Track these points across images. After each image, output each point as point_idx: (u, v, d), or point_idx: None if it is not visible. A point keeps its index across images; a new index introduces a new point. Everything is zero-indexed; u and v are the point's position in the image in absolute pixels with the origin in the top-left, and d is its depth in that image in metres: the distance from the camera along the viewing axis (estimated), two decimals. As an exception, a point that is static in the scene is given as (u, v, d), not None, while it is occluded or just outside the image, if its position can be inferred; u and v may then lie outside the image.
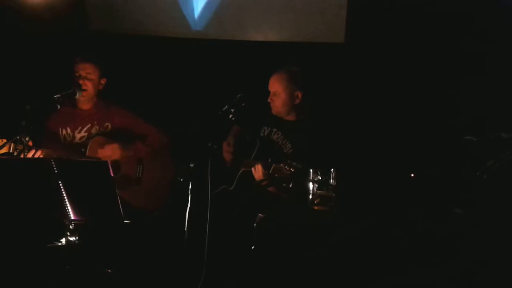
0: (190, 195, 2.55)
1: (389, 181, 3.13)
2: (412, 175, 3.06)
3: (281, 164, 2.51)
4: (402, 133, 3.46)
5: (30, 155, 2.78)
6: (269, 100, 2.85)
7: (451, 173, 2.80)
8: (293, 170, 2.44)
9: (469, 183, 2.56)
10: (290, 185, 2.48)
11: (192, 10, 3.86)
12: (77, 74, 2.95)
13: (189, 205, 2.54)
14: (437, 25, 3.51)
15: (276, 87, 2.82)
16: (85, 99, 2.99)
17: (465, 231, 2.35)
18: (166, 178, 3.02)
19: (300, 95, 2.82)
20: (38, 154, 2.81)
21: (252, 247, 2.55)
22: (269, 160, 2.59)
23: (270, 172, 2.56)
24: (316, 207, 2.34)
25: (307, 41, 3.78)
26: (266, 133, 2.91)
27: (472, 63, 3.42)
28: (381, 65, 3.62)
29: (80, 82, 2.94)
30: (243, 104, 2.77)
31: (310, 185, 2.35)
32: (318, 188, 2.34)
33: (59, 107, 2.89)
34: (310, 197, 2.34)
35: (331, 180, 2.34)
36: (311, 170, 2.37)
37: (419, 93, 3.55)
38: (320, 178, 2.33)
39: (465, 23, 3.43)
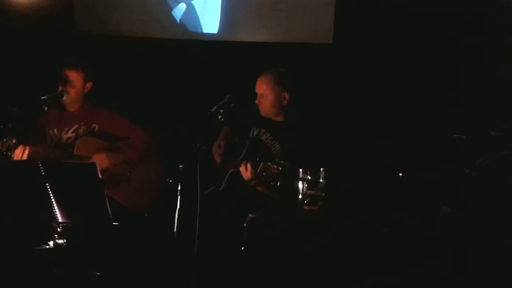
0: (179, 196, 2.54)
1: (377, 180, 3.15)
2: (401, 174, 3.08)
3: (269, 163, 2.50)
4: (390, 132, 3.48)
5: (18, 151, 2.75)
6: (256, 102, 2.85)
7: (440, 172, 2.82)
8: (280, 169, 2.44)
9: (458, 181, 2.57)
10: (278, 184, 2.47)
11: (180, 11, 3.86)
12: (63, 79, 2.94)
13: (178, 206, 2.53)
14: (424, 25, 3.54)
15: (263, 89, 2.83)
16: (70, 102, 2.99)
17: (454, 229, 2.36)
18: (155, 176, 3.01)
19: (287, 96, 2.82)
20: (25, 149, 2.78)
21: (242, 248, 2.54)
22: (257, 159, 2.59)
23: (258, 171, 2.55)
24: (306, 207, 2.34)
25: (295, 42, 3.79)
26: (255, 134, 2.91)
27: (460, 60, 3.46)
28: (369, 65, 3.65)
29: (65, 88, 2.93)
30: (232, 105, 2.76)
31: (300, 184, 2.36)
32: (307, 188, 2.34)
33: (46, 108, 2.87)
34: (300, 196, 2.34)
35: (321, 180, 2.34)
36: (300, 170, 2.37)
37: (407, 93, 3.58)
38: (309, 177, 2.33)
39: (454, 22, 3.46)
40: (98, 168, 2.36)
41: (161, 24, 3.83)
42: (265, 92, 2.82)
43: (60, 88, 2.93)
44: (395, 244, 2.46)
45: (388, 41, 3.63)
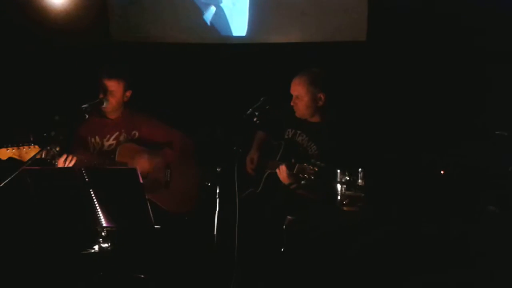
0: (218, 199, 2.57)
1: (418, 179, 3.09)
2: (442, 172, 3.02)
3: (305, 164, 2.49)
4: (429, 131, 3.41)
5: (61, 159, 2.83)
6: (292, 104, 2.84)
7: (482, 170, 2.75)
8: (316, 169, 2.42)
9: (501, 179, 2.50)
10: (316, 184, 2.46)
11: (210, 14, 3.88)
12: (103, 88, 3.00)
13: (217, 209, 2.55)
14: (457, 21, 3.46)
15: (298, 90, 2.81)
16: (110, 110, 3.06)
17: (500, 229, 2.30)
18: (193, 180, 3.06)
19: (323, 97, 2.80)
20: (70, 158, 2.86)
21: (282, 250, 2.55)
22: (292, 161, 2.58)
23: (294, 172, 2.55)
24: (345, 208, 2.32)
25: (328, 41, 3.76)
26: (290, 135, 2.91)
27: (496, 59, 3.36)
28: (403, 62, 3.59)
29: (105, 97, 3.00)
30: (267, 107, 2.76)
31: (338, 186, 2.34)
32: (346, 189, 2.33)
33: (87, 116, 2.95)
34: (339, 198, 2.33)
35: (359, 180, 2.32)
36: (338, 171, 2.35)
37: (443, 90, 3.51)
38: (348, 178, 2.31)
39: (486, 21, 3.37)
40: (139, 172, 2.41)
41: (193, 29, 3.86)
42: (300, 93, 2.81)
43: (101, 96, 3.00)
44: (439, 244, 2.41)
45: (421, 37, 3.57)
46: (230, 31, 3.87)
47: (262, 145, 2.95)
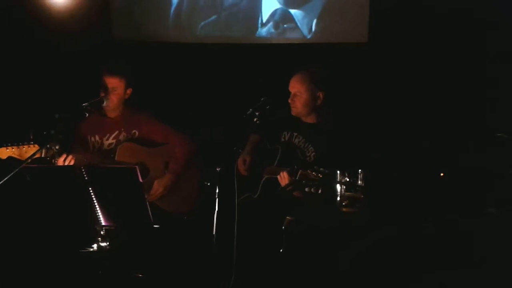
0: (217, 199, 2.56)
1: (418, 181, 3.08)
2: (442, 174, 3.01)
3: (308, 171, 2.47)
4: (429, 132, 3.41)
5: (61, 159, 2.83)
6: (289, 101, 2.80)
7: (482, 171, 2.74)
8: (321, 176, 2.41)
9: (502, 181, 2.49)
10: (319, 191, 2.44)
11: (215, 16, 3.88)
12: (104, 86, 3.00)
13: (216, 209, 2.55)
14: (461, 23, 3.46)
15: (298, 87, 2.78)
16: (111, 108, 3.05)
17: (500, 230, 2.29)
18: (193, 180, 3.04)
19: (321, 96, 2.77)
20: (69, 158, 2.86)
21: (281, 250, 2.54)
22: (295, 167, 2.56)
23: (297, 178, 2.53)
24: (344, 209, 2.31)
25: (330, 42, 3.76)
26: (287, 138, 2.87)
27: (498, 59, 3.36)
28: (405, 64, 3.59)
29: (107, 94, 2.99)
30: (267, 107, 2.75)
31: (338, 186, 2.33)
32: (346, 190, 2.32)
33: (87, 115, 2.94)
34: (338, 199, 2.32)
35: (359, 181, 2.32)
36: (338, 172, 2.34)
37: (444, 92, 3.50)
38: (347, 179, 2.31)
39: (491, 21, 3.37)
40: (139, 172, 2.41)
41: (192, 29, 3.87)
42: (299, 90, 2.77)
43: (102, 95, 2.99)
44: (440, 245, 2.40)
45: (423, 39, 3.57)
46: (231, 31, 3.87)
47: (256, 147, 2.91)
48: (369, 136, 2.92)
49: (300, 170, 2.53)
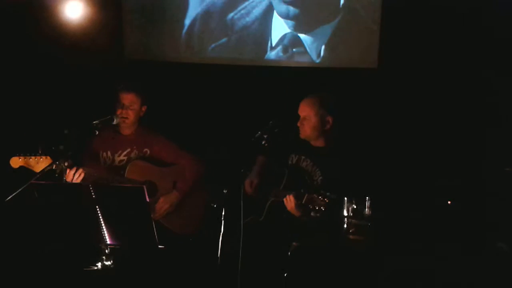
0: (223, 221, 2.56)
1: (425, 208, 3.06)
2: (449, 202, 2.99)
3: (314, 195, 2.47)
4: (438, 160, 3.40)
5: (71, 173, 2.84)
6: (298, 125, 2.82)
7: (491, 204, 2.72)
8: (327, 201, 2.40)
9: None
10: (325, 215, 2.43)
11: (226, 35, 3.92)
12: (120, 103, 3.03)
13: (222, 231, 2.54)
14: (470, 50, 3.48)
15: (307, 111, 2.80)
16: (126, 125, 3.07)
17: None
18: (200, 202, 3.05)
19: (331, 121, 2.79)
20: (79, 172, 2.87)
21: (285, 275, 2.52)
22: (302, 191, 2.55)
23: (303, 202, 2.53)
24: (351, 237, 2.30)
25: (339, 67, 3.79)
26: (294, 161, 2.87)
27: (508, 89, 3.36)
28: (414, 91, 3.60)
29: (123, 111, 3.02)
30: (275, 130, 2.76)
31: (345, 213, 2.33)
32: (352, 217, 2.31)
33: (97, 132, 2.96)
34: (345, 226, 2.31)
35: (366, 209, 2.31)
36: (345, 199, 2.34)
37: (453, 119, 3.50)
38: (354, 207, 2.30)
39: (502, 48, 3.39)
40: (145, 186, 2.41)
41: (203, 50, 3.90)
42: (309, 114, 2.78)
43: (118, 111, 3.00)
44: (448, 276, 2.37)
45: (434, 65, 3.58)
46: (241, 54, 3.91)
47: (263, 170, 2.91)
48: (377, 163, 2.91)
49: (307, 194, 2.52)
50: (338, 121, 2.80)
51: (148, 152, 3.07)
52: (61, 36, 3.69)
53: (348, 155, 2.76)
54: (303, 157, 2.84)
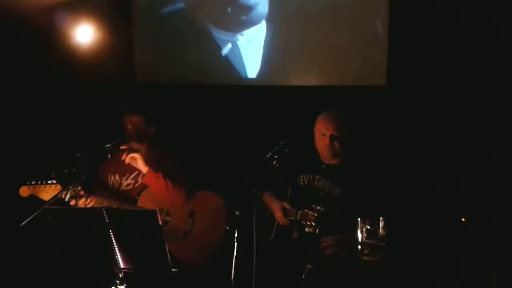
0: (236, 243, 2.54)
1: (440, 226, 3.03)
2: (463, 219, 2.96)
3: (306, 210, 2.48)
4: (450, 178, 3.37)
5: (81, 202, 2.85)
6: (327, 143, 2.74)
7: (504, 220, 2.69)
8: (316, 215, 2.42)
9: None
10: (317, 231, 2.42)
11: (237, 57, 3.94)
12: (125, 126, 3.04)
13: (235, 254, 2.53)
14: (483, 66, 3.46)
15: (339, 129, 2.73)
16: (134, 148, 3.06)
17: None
18: (214, 237, 2.94)
19: (345, 138, 2.76)
20: (89, 201, 2.88)
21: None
22: (284, 204, 2.60)
23: (298, 218, 2.53)
24: (366, 258, 2.28)
25: (348, 85, 3.79)
26: (306, 181, 2.83)
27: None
28: (423, 107, 3.58)
29: (128, 133, 3.02)
30: (286, 151, 2.75)
31: (359, 234, 2.31)
32: (367, 238, 2.29)
33: (109, 156, 2.97)
34: (359, 247, 2.29)
35: (380, 230, 2.29)
36: (359, 219, 2.32)
37: (464, 136, 3.48)
38: (368, 227, 2.28)
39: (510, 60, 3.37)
40: (159, 216, 2.40)
41: (215, 71, 3.92)
42: (340, 131, 2.73)
43: (124, 132, 3.01)
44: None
45: (443, 81, 3.57)
46: (252, 74, 3.91)
47: (275, 199, 2.85)
48: (394, 178, 2.88)
49: (300, 211, 2.52)
50: (351, 138, 2.77)
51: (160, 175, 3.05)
52: (72, 60, 3.74)
53: (367, 171, 2.73)
54: (317, 177, 2.80)
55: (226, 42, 3.90)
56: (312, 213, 2.47)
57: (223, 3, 3.87)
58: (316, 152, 2.86)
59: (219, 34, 3.90)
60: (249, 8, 3.84)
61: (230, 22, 3.86)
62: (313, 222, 2.47)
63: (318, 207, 2.48)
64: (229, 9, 3.85)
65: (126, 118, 3.05)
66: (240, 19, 3.86)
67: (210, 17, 3.89)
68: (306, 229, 2.51)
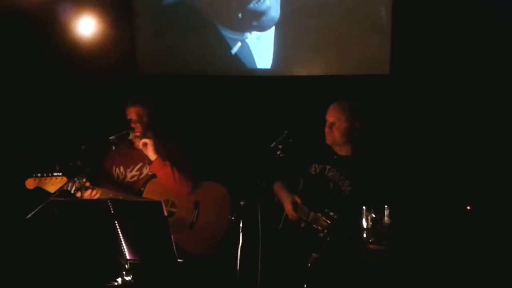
0: (241, 233, 2.55)
1: (447, 215, 3.02)
2: (468, 207, 2.95)
3: (319, 214, 2.47)
4: (454, 166, 3.36)
5: (87, 194, 2.86)
6: (326, 130, 2.76)
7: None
8: (329, 222, 2.41)
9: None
10: (328, 238, 2.43)
11: (239, 48, 3.92)
12: (128, 117, 3.04)
13: (240, 244, 2.54)
14: (487, 54, 3.44)
15: (337, 115, 2.74)
16: (137, 139, 3.06)
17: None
18: (220, 227, 2.96)
19: (359, 127, 2.75)
20: (94, 193, 2.89)
21: (305, 286, 2.50)
22: (308, 208, 2.56)
23: (309, 220, 2.55)
24: (370, 246, 2.28)
25: (352, 74, 3.78)
26: (318, 171, 2.83)
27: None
28: (427, 95, 3.57)
29: (132, 125, 3.02)
30: (290, 140, 2.75)
31: (364, 223, 2.31)
32: (372, 226, 2.29)
33: (114, 148, 2.98)
34: (364, 235, 2.30)
35: (385, 218, 2.29)
36: (364, 208, 2.32)
37: (469, 125, 3.46)
38: (373, 216, 2.28)
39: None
40: (164, 207, 2.41)
41: (219, 62, 3.91)
42: (339, 119, 2.73)
43: (128, 124, 3.01)
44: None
45: (446, 70, 3.55)
46: (255, 65, 3.90)
47: (287, 190, 2.85)
48: (402, 171, 2.86)
49: (312, 212, 2.51)
50: (365, 128, 2.76)
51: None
52: (74, 53, 3.74)
53: (376, 165, 2.72)
54: (328, 167, 2.79)
55: (236, 41, 3.85)
56: (325, 219, 2.45)
57: (233, 8, 3.80)
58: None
59: (227, 33, 3.87)
60: (260, 14, 3.78)
61: (240, 26, 3.81)
62: (325, 229, 2.46)
63: (331, 213, 2.46)
64: (240, 15, 3.79)
65: (129, 109, 3.05)
66: (251, 25, 3.81)
67: (218, 18, 3.83)
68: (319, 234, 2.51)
